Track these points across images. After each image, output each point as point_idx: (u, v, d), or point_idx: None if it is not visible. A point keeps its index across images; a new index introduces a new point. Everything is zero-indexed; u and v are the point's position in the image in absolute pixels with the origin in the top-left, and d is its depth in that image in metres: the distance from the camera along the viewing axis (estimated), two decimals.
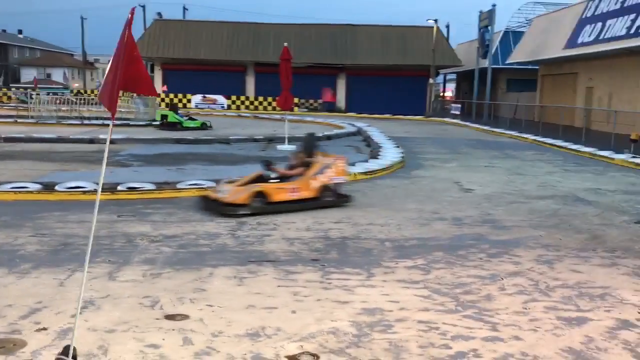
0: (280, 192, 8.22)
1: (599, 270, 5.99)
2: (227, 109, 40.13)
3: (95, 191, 9.07)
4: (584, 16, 29.65)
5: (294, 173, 8.71)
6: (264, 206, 8.04)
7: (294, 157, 9.22)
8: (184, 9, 51.57)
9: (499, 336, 4.24)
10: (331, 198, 8.73)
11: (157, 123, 23.04)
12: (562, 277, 5.69)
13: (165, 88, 37.49)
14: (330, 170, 8.67)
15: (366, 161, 13.60)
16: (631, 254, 6.61)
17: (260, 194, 8.03)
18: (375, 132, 22.16)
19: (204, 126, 22.44)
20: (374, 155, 14.91)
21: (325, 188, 8.61)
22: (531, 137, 22.67)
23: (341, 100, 42.79)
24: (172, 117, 22.34)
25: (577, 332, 4.36)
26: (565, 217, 8.59)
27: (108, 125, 18.72)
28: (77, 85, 66.28)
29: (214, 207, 8.03)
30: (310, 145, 9.21)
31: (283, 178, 8.57)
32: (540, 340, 4.19)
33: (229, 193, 7.99)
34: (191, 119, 23.21)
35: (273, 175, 8.42)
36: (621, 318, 4.66)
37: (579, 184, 11.79)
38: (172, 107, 24.37)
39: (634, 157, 15.84)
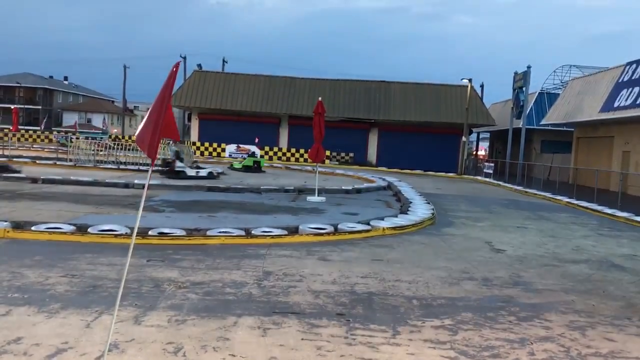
0: None
1: (635, 339, 5.77)
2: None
3: (126, 235, 9.24)
4: (620, 80, 29.57)
5: None
6: None
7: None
8: (224, 61, 53.16)
9: None
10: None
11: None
12: (594, 345, 5.50)
13: (257, 140, 37.97)
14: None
15: (396, 216, 13.54)
16: None
17: None
18: (406, 187, 22.13)
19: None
20: (404, 210, 14.85)
21: None
22: (565, 199, 22.32)
23: (372, 154, 43.02)
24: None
25: None
26: (599, 282, 8.35)
27: (143, 170, 19.47)
28: (115, 130, 68.25)
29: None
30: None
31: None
32: None
33: None
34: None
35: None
36: None
37: (615, 250, 11.50)
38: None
39: None
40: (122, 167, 24.62)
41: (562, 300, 7.19)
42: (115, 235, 9.28)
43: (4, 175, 17.92)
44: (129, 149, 28.30)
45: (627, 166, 29.50)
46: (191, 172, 21.79)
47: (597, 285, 8.13)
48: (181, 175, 21.16)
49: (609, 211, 18.38)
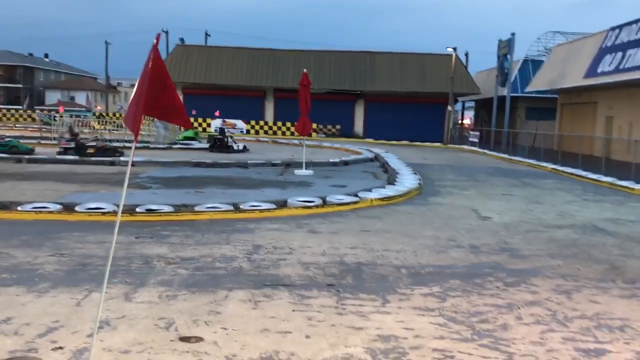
0: None
1: (619, 301, 5.90)
2: (246, 134, 40.50)
3: (114, 212, 9.21)
4: (604, 45, 29.61)
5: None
6: None
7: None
8: (206, 34, 52.45)
9: None
10: None
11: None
12: (580, 308, 5.61)
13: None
14: None
15: (383, 187, 13.60)
16: None
17: None
18: (393, 159, 22.19)
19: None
20: (391, 181, 14.91)
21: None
22: (550, 165, 22.51)
23: (359, 126, 42.96)
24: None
25: None
26: (584, 247, 8.49)
27: (128, 147, 18.96)
28: (99, 108, 67.42)
29: None
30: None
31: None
32: None
33: None
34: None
35: None
36: None
37: (598, 214, 11.66)
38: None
39: None
40: (107, 144, 24.37)
41: (548, 265, 7.31)
42: (103, 213, 9.25)
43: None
44: (114, 126, 28.05)
45: (611, 131, 29.73)
46: (236, 147, 24.21)
47: (582, 250, 8.27)
48: (230, 150, 23.66)
49: (593, 176, 18.58)
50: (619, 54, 27.45)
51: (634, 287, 6.44)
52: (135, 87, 3.37)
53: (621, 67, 26.78)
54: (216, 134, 26.05)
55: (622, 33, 28.15)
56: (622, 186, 16.41)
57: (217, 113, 36.86)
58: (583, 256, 7.87)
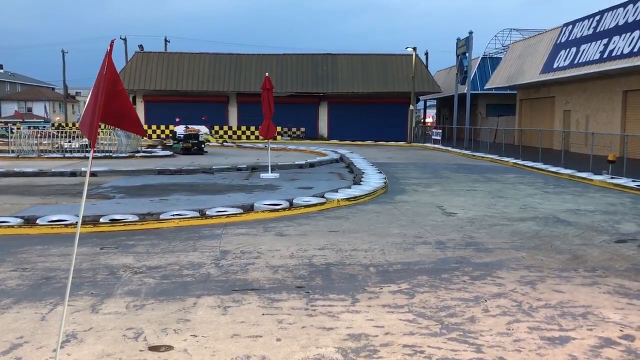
0: None
1: (581, 289, 6.06)
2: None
3: (77, 224, 9.03)
4: (558, 41, 30.36)
5: None
6: None
7: None
8: (166, 41, 51.92)
9: (484, 358, 4.26)
10: None
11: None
12: (544, 298, 5.74)
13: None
14: None
15: (349, 187, 13.68)
16: (612, 273, 6.70)
17: None
18: (358, 159, 22.34)
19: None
20: (357, 181, 15.01)
21: None
22: (511, 160, 22.97)
23: (324, 127, 43.08)
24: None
25: (560, 352, 4.39)
26: (547, 238, 8.69)
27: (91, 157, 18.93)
28: (58, 118, 66.00)
29: None
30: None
31: None
32: None
33: None
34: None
35: None
36: (603, 336, 4.71)
37: (560, 206, 11.95)
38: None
39: (612, 177, 16.11)
40: (67, 155, 23.93)
41: (513, 257, 7.46)
42: (66, 225, 9.07)
43: None
44: (74, 137, 27.49)
45: (569, 125, 30.51)
46: (206, 149, 26.93)
47: (545, 241, 8.46)
48: (203, 152, 26.18)
49: (553, 169, 19.04)
50: (573, 50, 28.20)
51: (595, 275, 6.62)
52: (90, 94, 3.32)
53: (576, 62, 27.51)
54: (179, 140, 27.14)
55: (575, 29, 28.93)
56: (581, 178, 16.86)
57: (177, 119, 36.58)
58: (546, 247, 8.05)
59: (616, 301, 5.65)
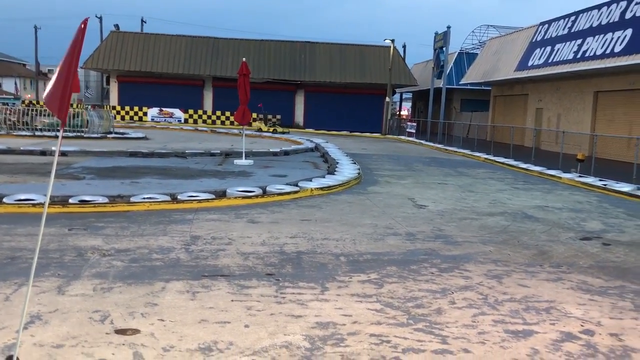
0: None
1: (545, 284, 6.19)
2: (184, 123, 39.80)
3: (44, 204, 8.87)
4: (534, 40, 30.74)
5: None
6: None
7: None
8: (142, 21, 51.08)
9: (449, 349, 4.33)
10: None
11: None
12: (510, 292, 5.85)
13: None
14: None
15: (323, 177, 13.70)
16: (575, 269, 6.86)
17: None
18: (333, 149, 22.37)
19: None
20: (331, 171, 15.04)
21: None
22: (483, 155, 23.26)
23: (300, 116, 42.98)
24: None
25: (523, 345, 4.49)
26: (514, 233, 8.84)
27: (63, 137, 18.52)
28: (29, 96, 64.57)
29: None
30: None
31: None
32: (488, 353, 4.30)
33: None
34: None
35: None
36: (565, 330, 4.83)
37: (528, 202, 12.16)
38: None
39: (580, 176, 16.44)
40: (37, 133, 23.45)
41: (481, 251, 7.58)
42: (34, 205, 8.91)
43: None
44: (44, 115, 26.95)
45: (541, 123, 30.99)
46: None
47: (512, 236, 8.61)
48: None
49: (524, 166, 19.35)
50: (548, 48, 28.58)
51: (560, 270, 6.77)
52: (58, 70, 3.25)
53: (550, 60, 27.90)
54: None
55: (551, 28, 29.32)
56: (550, 175, 17.17)
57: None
58: (513, 242, 8.20)
59: (579, 297, 5.79)
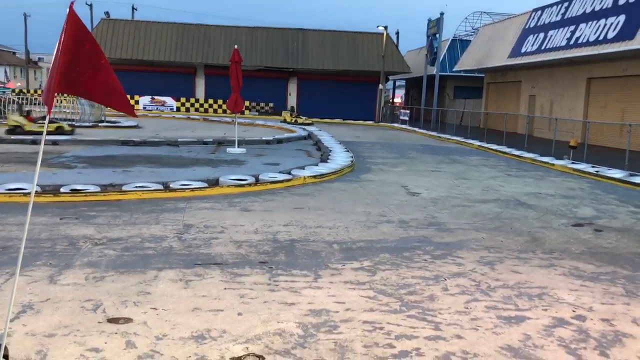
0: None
1: (538, 271, 6.21)
2: (176, 111, 39.61)
3: (37, 193, 8.82)
4: (527, 26, 30.68)
5: None
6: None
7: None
8: (133, 8, 50.64)
9: (442, 335, 4.34)
10: None
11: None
12: (502, 278, 5.87)
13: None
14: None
15: (316, 165, 13.68)
16: (568, 255, 6.88)
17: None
18: (326, 137, 22.34)
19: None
20: (324, 159, 15.02)
21: None
22: (476, 143, 23.27)
23: (292, 104, 42.83)
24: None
25: (515, 330, 4.51)
26: (507, 220, 8.86)
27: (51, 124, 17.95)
28: (19, 84, 64.04)
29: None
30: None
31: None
32: (481, 339, 4.31)
33: None
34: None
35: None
36: (557, 316, 4.85)
37: (521, 189, 12.18)
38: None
39: (572, 163, 16.48)
40: None
41: (473, 238, 7.59)
42: (24, 194, 8.85)
43: None
44: (35, 104, 26.75)
45: (534, 110, 31.01)
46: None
47: (505, 223, 8.63)
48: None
49: (517, 153, 19.38)
50: (541, 35, 28.55)
51: (552, 257, 6.80)
52: (52, 59, 3.22)
53: (543, 47, 27.88)
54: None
55: (544, 15, 29.26)
56: (543, 162, 17.20)
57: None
58: (506, 229, 8.22)
59: (570, 283, 5.82)
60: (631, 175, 14.13)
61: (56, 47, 3.16)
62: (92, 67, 3.16)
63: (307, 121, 33.31)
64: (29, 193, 8.82)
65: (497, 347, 4.18)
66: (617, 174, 14.34)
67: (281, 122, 32.65)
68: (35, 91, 46.67)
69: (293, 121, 33.09)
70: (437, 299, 5.14)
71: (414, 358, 3.95)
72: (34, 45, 67.57)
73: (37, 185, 9.03)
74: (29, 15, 57.08)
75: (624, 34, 21.56)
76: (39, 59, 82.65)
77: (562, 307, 5.09)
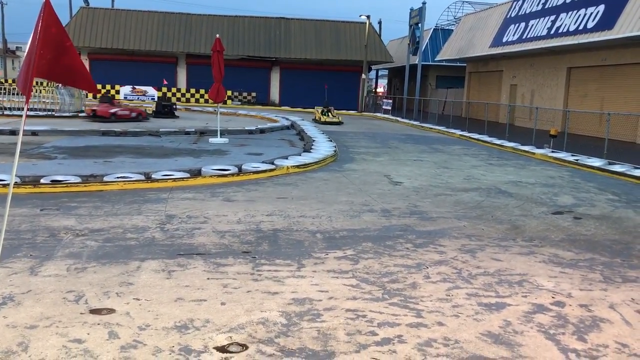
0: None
1: (518, 258, 6.30)
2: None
3: (16, 184, 8.71)
4: (508, 16, 30.84)
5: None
6: None
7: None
8: None
9: (423, 322, 4.40)
10: None
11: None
12: (483, 266, 5.95)
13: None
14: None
15: (299, 155, 13.68)
16: (547, 243, 6.98)
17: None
18: (309, 126, 22.31)
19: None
20: (308, 149, 15.02)
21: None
22: (458, 132, 23.42)
23: (275, 93, 42.68)
24: None
25: (496, 317, 4.58)
26: (488, 208, 8.95)
27: (32, 116, 17.76)
28: None
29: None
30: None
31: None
32: (462, 326, 4.37)
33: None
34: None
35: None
36: (537, 303, 4.93)
37: (502, 177, 12.31)
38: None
39: (553, 151, 16.68)
40: (7, 112, 22.92)
41: (455, 226, 7.66)
42: (3, 185, 8.74)
43: None
44: (13, 94, 26.33)
45: (515, 99, 31.25)
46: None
47: (486, 211, 8.72)
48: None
49: (498, 142, 19.54)
50: (522, 25, 28.72)
51: (532, 244, 6.89)
52: (27, 48, 3.19)
53: (524, 37, 28.05)
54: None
55: (525, 4, 29.42)
56: (523, 151, 17.38)
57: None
58: (487, 217, 8.31)
59: (550, 270, 5.91)
60: (610, 163, 14.34)
61: (31, 35, 3.13)
62: (57, 49, 3.14)
63: (335, 119, 27.80)
64: (8, 184, 8.73)
65: (478, 333, 4.24)
66: (596, 162, 14.54)
67: (313, 120, 28.10)
68: (13, 80, 45.87)
69: (323, 120, 27.58)
70: (419, 287, 5.19)
71: (396, 345, 3.99)
72: (12, 35, 66.32)
73: (16, 176, 8.92)
74: (6, 3, 56.02)
75: (604, 24, 21.77)
76: (17, 47, 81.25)
77: (541, 293, 5.17)
